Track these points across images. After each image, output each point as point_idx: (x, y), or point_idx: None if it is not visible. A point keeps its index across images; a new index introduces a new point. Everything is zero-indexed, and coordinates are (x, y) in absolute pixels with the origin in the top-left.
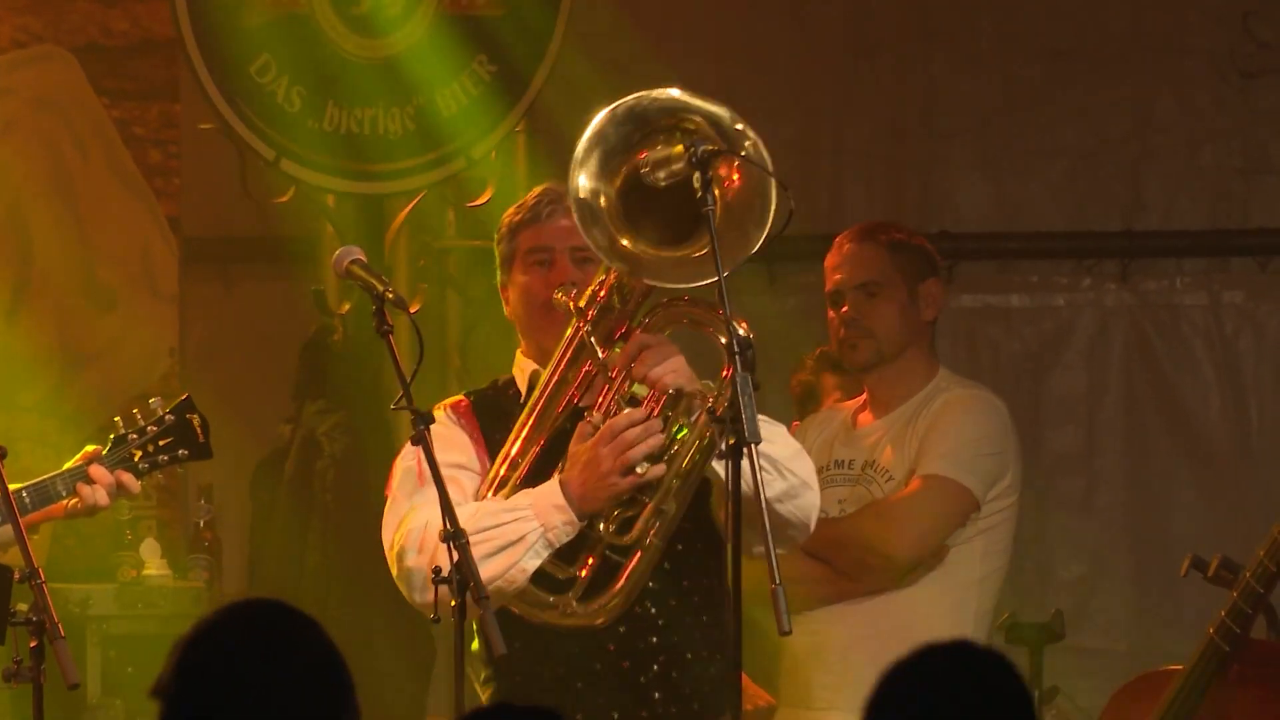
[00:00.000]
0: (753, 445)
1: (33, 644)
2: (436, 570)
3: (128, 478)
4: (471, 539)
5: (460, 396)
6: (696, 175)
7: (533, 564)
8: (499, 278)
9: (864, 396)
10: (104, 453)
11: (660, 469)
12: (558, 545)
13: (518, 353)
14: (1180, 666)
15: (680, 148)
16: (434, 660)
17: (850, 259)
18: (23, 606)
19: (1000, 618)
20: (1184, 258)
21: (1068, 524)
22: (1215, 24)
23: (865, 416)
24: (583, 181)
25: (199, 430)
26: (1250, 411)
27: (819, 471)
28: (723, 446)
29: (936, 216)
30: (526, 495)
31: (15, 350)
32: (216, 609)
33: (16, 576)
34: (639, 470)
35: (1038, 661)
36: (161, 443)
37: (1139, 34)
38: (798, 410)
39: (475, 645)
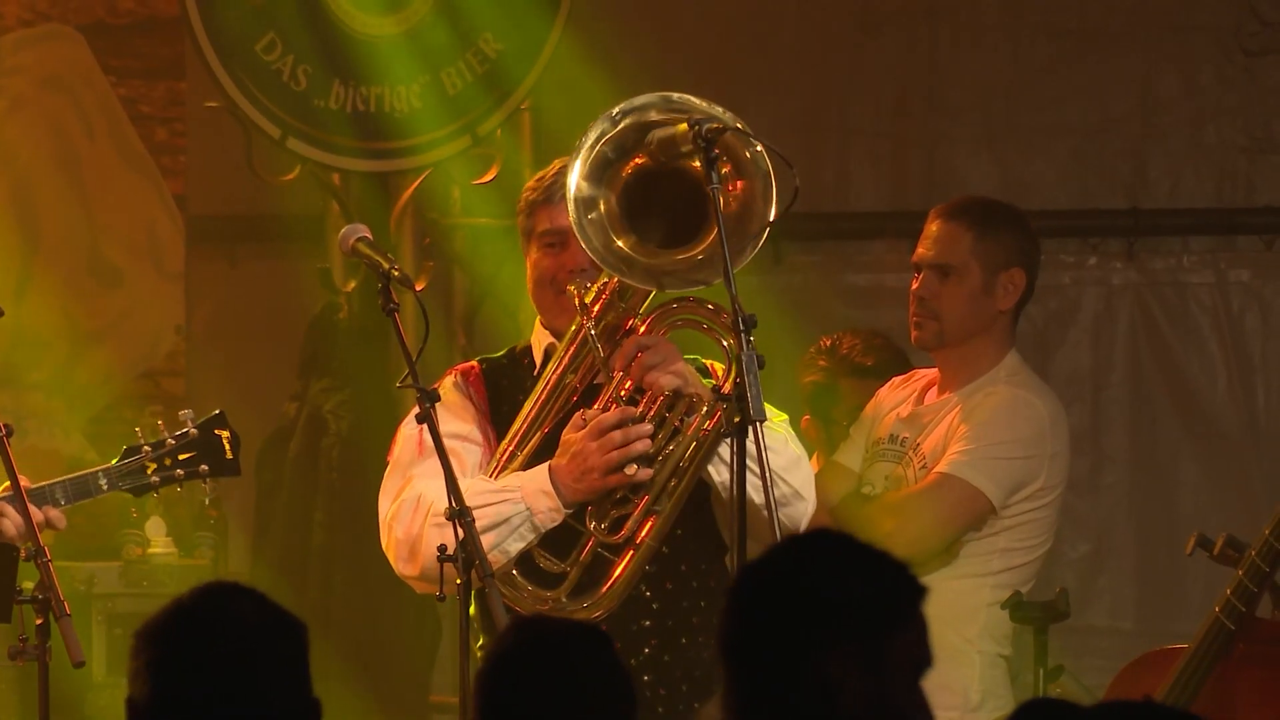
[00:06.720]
0: (758, 423)
1: (38, 622)
2: (442, 548)
3: (55, 515)
4: None
5: (473, 363)
6: (700, 155)
7: (516, 546)
8: (521, 244)
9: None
10: (113, 462)
11: (646, 472)
12: (544, 530)
13: (537, 321)
14: (1185, 645)
15: (684, 126)
16: (439, 638)
17: (933, 235)
18: (28, 584)
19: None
20: (1190, 236)
21: (1073, 502)
22: (1220, 2)
23: (933, 394)
24: (579, 188)
25: (227, 446)
26: (1257, 390)
27: (877, 443)
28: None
29: (941, 194)
30: (517, 477)
31: (22, 328)
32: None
33: (23, 554)
34: (626, 471)
35: (1042, 640)
36: (181, 457)
37: (1144, 11)
38: (808, 407)
39: (474, 610)
